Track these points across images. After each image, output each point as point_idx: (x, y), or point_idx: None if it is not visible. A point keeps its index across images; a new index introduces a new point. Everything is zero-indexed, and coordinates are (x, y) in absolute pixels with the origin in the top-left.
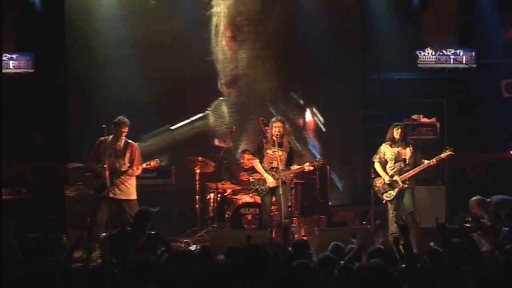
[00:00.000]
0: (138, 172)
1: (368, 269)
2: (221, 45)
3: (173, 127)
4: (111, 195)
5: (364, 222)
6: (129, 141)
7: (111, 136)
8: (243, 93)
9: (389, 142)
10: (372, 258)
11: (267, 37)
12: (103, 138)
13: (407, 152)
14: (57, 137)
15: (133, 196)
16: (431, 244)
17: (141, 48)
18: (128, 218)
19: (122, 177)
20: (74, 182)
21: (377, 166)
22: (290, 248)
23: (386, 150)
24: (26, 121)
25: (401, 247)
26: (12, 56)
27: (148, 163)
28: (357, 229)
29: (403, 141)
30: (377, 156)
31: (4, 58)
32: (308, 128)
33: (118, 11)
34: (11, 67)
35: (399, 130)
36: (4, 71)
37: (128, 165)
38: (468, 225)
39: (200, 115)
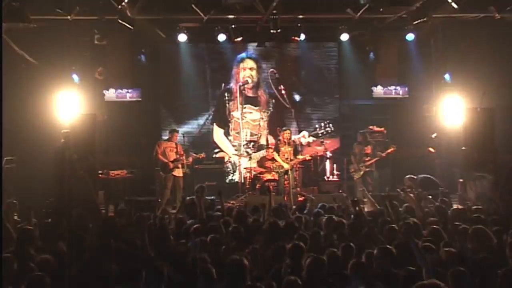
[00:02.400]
0: (190, 160)
1: (339, 222)
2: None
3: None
4: (174, 174)
5: (340, 191)
6: (177, 142)
7: (167, 139)
8: (272, 114)
9: (357, 142)
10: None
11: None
12: (162, 141)
13: (369, 148)
14: (150, 138)
15: (181, 174)
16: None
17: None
18: (180, 186)
19: (177, 163)
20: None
21: (352, 157)
22: (295, 207)
23: (355, 147)
24: (136, 128)
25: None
26: (128, 90)
27: (198, 155)
28: (336, 195)
29: (366, 141)
30: (352, 151)
31: (123, 91)
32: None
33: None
34: (128, 97)
35: (362, 137)
36: (123, 99)
37: (177, 157)
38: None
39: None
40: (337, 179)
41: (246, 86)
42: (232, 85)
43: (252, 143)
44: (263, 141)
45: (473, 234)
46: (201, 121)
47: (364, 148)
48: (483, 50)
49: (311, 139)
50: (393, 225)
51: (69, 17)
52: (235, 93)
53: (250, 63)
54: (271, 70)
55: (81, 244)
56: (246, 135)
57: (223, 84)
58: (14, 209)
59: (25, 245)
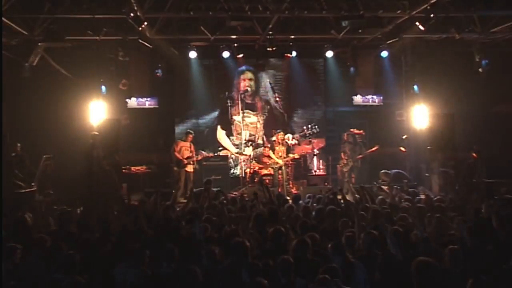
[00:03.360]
0: (200, 158)
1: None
2: None
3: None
4: (187, 169)
5: (326, 183)
6: (191, 142)
7: (182, 139)
8: (268, 118)
9: (347, 142)
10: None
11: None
12: (178, 140)
13: (354, 146)
14: (166, 139)
15: (192, 170)
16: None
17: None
18: (190, 180)
19: (190, 160)
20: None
21: (342, 154)
22: (289, 198)
23: (346, 146)
24: (154, 131)
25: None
26: (148, 98)
27: (208, 154)
28: (322, 187)
29: (355, 141)
30: (343, 149)
31: (143, 99)
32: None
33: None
34: (147, 105)
35: (347, 136)
36: (143, 106)
37: (190, 155)
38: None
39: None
40: (323, 173)
41: (246, 94)
42: (234, 93)
43: (250, 142)
44: (260, 141)
45: (436, 220)
46: (208, 123)
47: (354, 147)
48: (445, 65)
49: (294, 141)
50: (371, 210)
51: (97, 37)
52: (236, 100)
53: (249, 75)
54: (268, 81)
55: (107, 229)
56: (246, 136)
57: (226, 93)
58: (50, 200)
59: (66, 224)
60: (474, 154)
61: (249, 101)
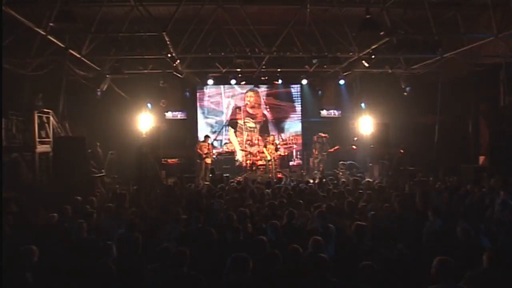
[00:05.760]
0: (214, 154)
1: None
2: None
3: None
4: (206, 161)
5: (302, 171)
6: (209, 142)
7: (202, 141)
8: (262, 124)
9: (318, 142)
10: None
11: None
12: (200, 141)
13: (322, 145)
14: (191, 140)
15: (209, 161)
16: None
17: None
18: (208, 168)
19: (207, 155)
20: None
21: (313, 150)
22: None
23: (316, 145)
24: (183, 134)
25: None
26: (179, 112)
27: (220, 151)
28: (299, 173)
29: (322, 142)
30: (314, 146)
31: (176, 113)
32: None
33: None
34: (178, 116)
35: (317, 138)
36: (175, 118)
37: (207, 151)
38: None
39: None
40: (300, 163)
41: (247, 106)
42: (241, 105)
43: (249, 141)
44: (255, 141)
45: (376, 196)
46: (221, 127)
47: (322, 145)
48: (382, 90)
49: (279, 141)
50: (331, 190)
51: (146, 71)
52: (241, 111)
53: (250, 93)
54: (263, 98)
55: (151, 203)
56: (246, 136)
57: (235, 105)
58: (116, 181)
59: (121, 202)
60: (401, 151)
61: (250, 112)
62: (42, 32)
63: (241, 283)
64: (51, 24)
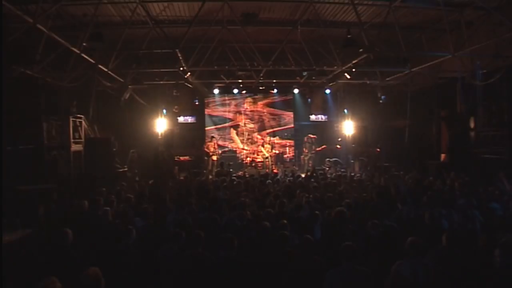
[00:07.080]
0: (220, 152)
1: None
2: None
3: None
4: (212, 158)
5: (294, 166)
6: (215, 142)
7: (209, 141)
8: (259, 126)
9: (308, 142)
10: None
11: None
12: (207, 142)
13: (311, 145)
14: (200, 140)
15: (215, 158)
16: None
17: None
18: (214, 165)
19: (214, 153)
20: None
21: (303, 149)
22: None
23: (306, 144)
24: (193, 136)
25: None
26: (190, 117)
27: (224, 150)
28: (292, 168)
29: (311, 141)
30: (304, 145)
31: (187, 118)
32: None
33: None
34: (189, 120)
35: (307, 139)
36: (187, 122)
37: (214, 150)
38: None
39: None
40: (292, 159)
41: (247, 110)
42: (242, 109)
43: (250, 139)
44: (255, 139)
45: (358, 187)
46: (225, 128)
47: (311, 145)
48: (362, 98)
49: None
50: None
51: (161, 81)
52: (242, 114)
53: (250, 100)
54: (260, 103)
55: (165, 196)
56: (246, 135)
57: (237, 109)
58: (136, 175)
59: (140, 193)
60: (378, 149)
61: (250, 115)
62: (77, 51)
63: (228, 258)
64: (84, 44)
